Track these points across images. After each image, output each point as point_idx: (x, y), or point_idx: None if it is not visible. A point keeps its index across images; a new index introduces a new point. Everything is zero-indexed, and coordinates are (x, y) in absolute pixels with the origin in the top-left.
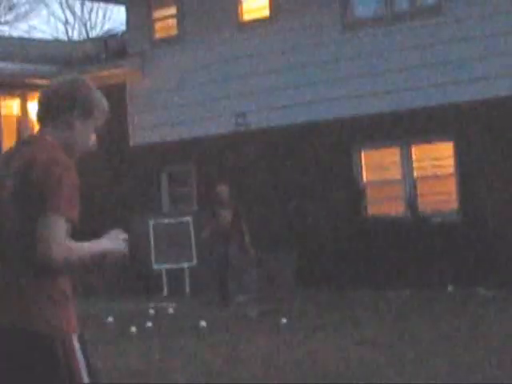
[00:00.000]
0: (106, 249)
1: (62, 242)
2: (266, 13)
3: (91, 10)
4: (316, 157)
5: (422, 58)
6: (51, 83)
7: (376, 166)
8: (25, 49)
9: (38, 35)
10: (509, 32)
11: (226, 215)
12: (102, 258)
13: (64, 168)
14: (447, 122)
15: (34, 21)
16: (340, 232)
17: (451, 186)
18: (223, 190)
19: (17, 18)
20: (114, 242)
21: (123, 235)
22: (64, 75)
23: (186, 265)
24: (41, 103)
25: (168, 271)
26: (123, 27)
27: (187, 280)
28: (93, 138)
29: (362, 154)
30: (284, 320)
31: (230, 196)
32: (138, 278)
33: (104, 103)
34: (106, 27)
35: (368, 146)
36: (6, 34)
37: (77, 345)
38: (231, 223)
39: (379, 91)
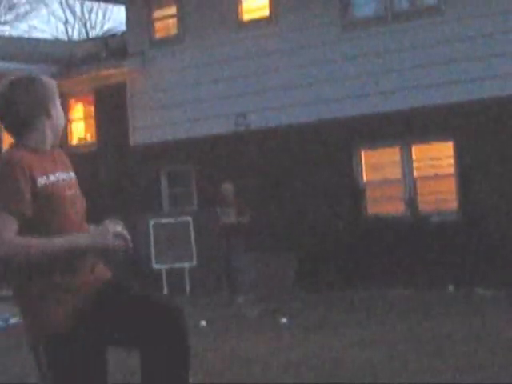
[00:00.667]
0: (82, 245)
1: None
2: (265, 13)
3: (91, 10)
4: (316, 157)
5: (422, 58)
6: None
7: (376, 165)
8: (25, 49)
9: (38, 35)
10: (509, 32)
11: (231, 214)
12: (80, 254)
13: (1, 165)
14: (447, 122)
15: (34, 21)
16: (340, 232)
17: (451, 186)
18: (228, 188)
19: (17, 18)
20: (99, 236)
21: (115, 229)
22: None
23: (186, 265)
24: (2, 120)
25: (168, 271)
26: (123, 27)
27: (187, 280)
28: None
29: (362, 154)
30: (284, 320)
31: (234, 195)
32: (138, 278)
33: (51, 82)
34: (106, 27)
35: (368, 146)
36: (6, 33)
37: (43, 356)
38: (237, 222)
39: (379, 91)
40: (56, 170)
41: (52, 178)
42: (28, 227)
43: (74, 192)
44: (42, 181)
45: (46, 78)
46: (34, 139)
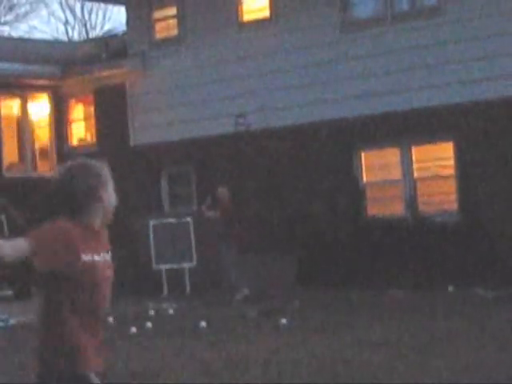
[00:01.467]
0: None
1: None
2: (266, 13)
3: (91, 11)
4: (316, 157)
5: (422, 58)
6: (62, 179)
7: (376, 166)
8: (25, 49)
9: (38, 35)
10: (509, 32)
11: (225, 217)
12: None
13: (52, 226)
14: (447, 122)
15: (34, 21)
16: (340, 232)
17: (451, 187)
18: (223, 192)
19: (17, 19)
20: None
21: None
22: (64, 165)
23: (186, 265)
24: (58, 202)
25: (168, 271)
26: (123, 28)
27: (187, 280)
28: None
29: (362, 155)
30: (284, 320)
31: (229, 198)
32: (138, 277)
33: (105, 169)
34: (106, 27)
35: (368, 147)
36: (6, 34)
37: None
38: (230, 225)
39: (379, 91)
40: (101, 249)
41: (96, 257)
42: (64, 287)
43: (110, 273)
44: (86, 257)
45: (100, 166)
46: (85, 220)
